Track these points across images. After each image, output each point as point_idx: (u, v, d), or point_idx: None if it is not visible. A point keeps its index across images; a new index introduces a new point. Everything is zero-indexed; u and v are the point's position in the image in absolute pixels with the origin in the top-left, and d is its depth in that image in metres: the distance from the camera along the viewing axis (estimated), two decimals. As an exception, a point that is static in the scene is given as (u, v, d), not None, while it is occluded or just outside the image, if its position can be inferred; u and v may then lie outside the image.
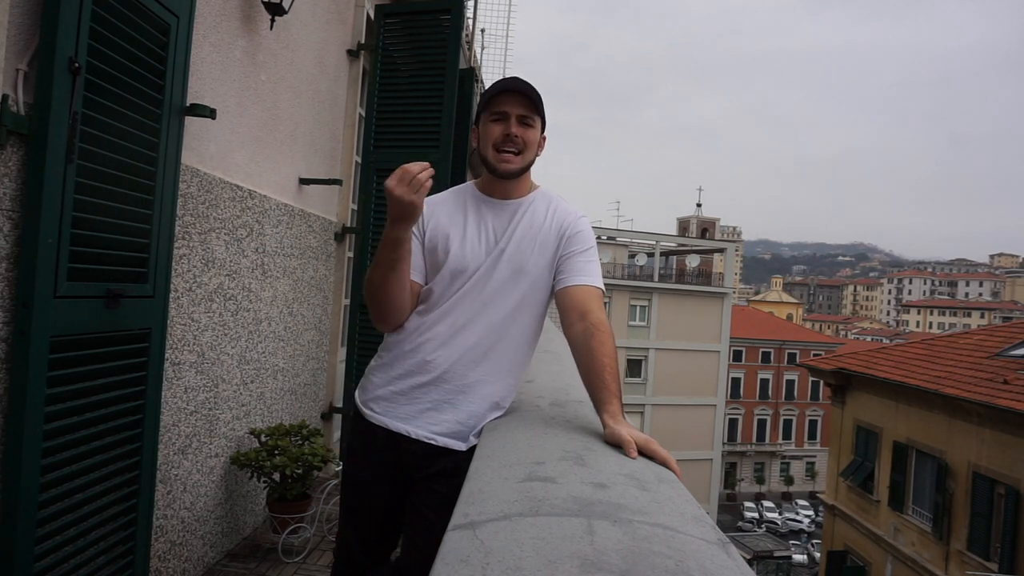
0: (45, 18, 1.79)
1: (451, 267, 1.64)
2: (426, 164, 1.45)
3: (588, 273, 1.63)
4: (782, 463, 44.27)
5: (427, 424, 1.60)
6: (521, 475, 1.16)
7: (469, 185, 1.77)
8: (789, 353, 42.77)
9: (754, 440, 43.14)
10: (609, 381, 1.44)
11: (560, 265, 1.66)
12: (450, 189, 1.79)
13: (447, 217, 1.69)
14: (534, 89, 1.62)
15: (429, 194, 1.52)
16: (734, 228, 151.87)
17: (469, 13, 7.76)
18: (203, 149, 2.88)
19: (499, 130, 1.61)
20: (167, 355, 2.57)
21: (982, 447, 10.97)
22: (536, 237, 1.65)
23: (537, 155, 1.68)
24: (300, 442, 3.55)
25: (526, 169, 1.66)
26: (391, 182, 1.42)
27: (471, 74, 6.21)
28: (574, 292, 1.60)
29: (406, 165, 1.43)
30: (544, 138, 1.70)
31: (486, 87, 1.80)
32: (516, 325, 1.65)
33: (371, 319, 1.70)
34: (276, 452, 3.38)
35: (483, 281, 1.62)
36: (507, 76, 1.65)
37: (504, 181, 1.66)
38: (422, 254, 1.70)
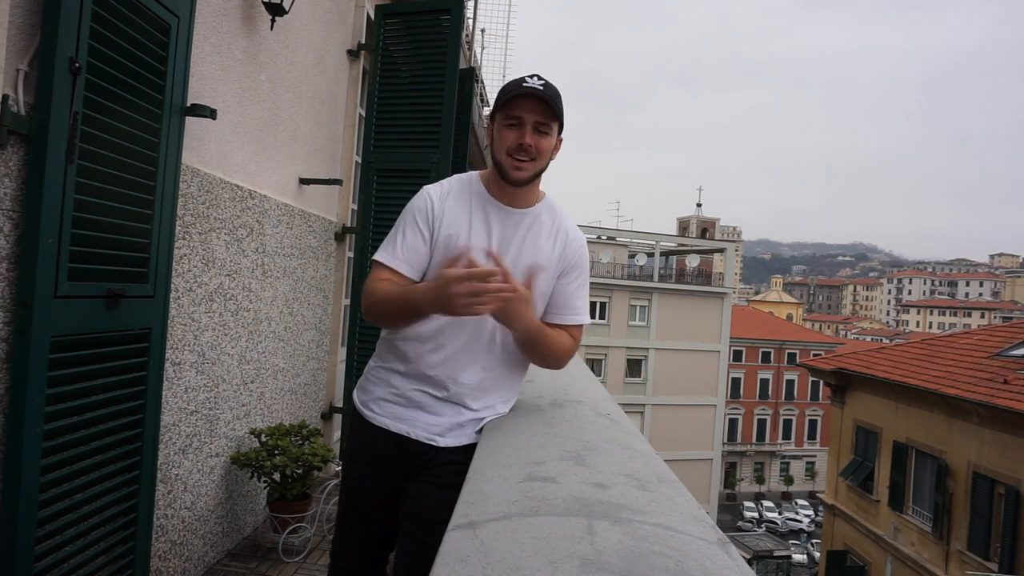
0: (45, 18, 1.79)
1: None
2: (493, 274, 1.38)
3: (581, 311, 1.71)
4: (782, 463, 44.28)
5: (428, 426, 1.62)
6: (521, 475, 1.16)
7: (475, 179, 1.69)
8: (789, 353, 42.77)
9: (754, 440, 43.15)
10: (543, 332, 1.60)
11: (557, 295, 1.68)
12: (455, 178, 1.71)
13: (453, 216, 1.63)
14: (554, 92, 1.56)
15: (430, 181, 1.52)
16: (734, 228, 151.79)
17: (469, 13, 7.76)
18: (203, 149, 2.88)
19: (513, 137, 1.55)
20: (167, 355, 2.57)
21: (982, 447, 10.97)
22: (539, 256, 1.64)
23: (552, 159, 1.63)
24: (300, 442, 3.55)
25: (538, 176, 1.61)
26: (458, 288, 1.36)
27: (471, 74, 6.20)
28: (564, 329, 1.69)
29: (477, 284, 1.36)
30: (560, 140, 1.64)
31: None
32: None
33: (365, 318, 1.68)
34: (276, 452, 3.38)
35: None
36: (529, 74, 1.56)
37: (514, 187, 1.61)
38: (429, 251, 1.63)
